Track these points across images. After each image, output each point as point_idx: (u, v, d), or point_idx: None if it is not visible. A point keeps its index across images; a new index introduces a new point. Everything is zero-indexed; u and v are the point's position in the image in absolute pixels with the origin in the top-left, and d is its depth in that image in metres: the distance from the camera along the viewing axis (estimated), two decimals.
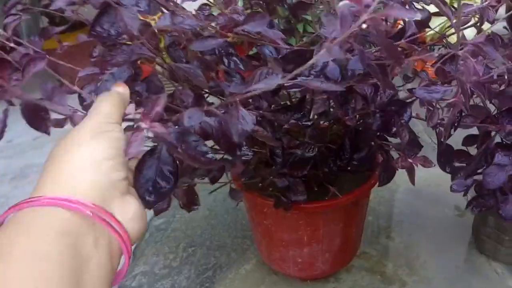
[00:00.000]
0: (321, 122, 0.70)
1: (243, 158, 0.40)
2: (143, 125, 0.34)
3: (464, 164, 0.75)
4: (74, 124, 0.43)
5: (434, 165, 0.61)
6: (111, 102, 0.36)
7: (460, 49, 0.46)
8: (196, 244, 1.00)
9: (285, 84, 0.37)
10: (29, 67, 0.40)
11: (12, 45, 0.45)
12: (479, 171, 0.65)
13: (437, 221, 1.00)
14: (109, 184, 0.32)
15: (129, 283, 0.92)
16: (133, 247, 1.14)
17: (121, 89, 0.38)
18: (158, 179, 0.37)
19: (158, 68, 0.61)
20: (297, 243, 0.76)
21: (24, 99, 0.53)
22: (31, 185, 1.40)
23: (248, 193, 0.71)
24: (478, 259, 0.89)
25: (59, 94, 0.43)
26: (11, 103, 0.56)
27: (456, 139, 0.71)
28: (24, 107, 0.53)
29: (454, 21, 0.42)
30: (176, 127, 0.36)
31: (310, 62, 0.26)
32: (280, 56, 0.47)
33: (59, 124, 0.61)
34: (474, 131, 0.72)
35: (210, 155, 0.37)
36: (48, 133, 0.56)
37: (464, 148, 0.76)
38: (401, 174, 0.73)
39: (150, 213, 1.18)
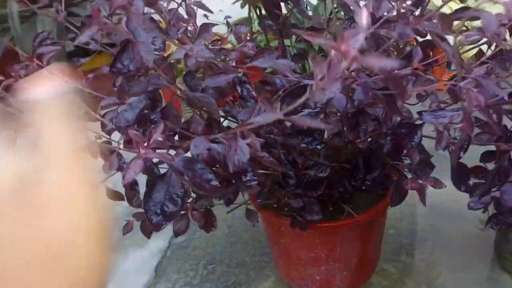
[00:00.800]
0: (336, 142, 0.71)
1: (247, 184, 0.42)
2: (140, 151, 0.37)
3: (483, 180, 0.75)
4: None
5: (446, 186, 0.61)
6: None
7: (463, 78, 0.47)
8: (216, 262, 1.02)
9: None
10: None
11: None
12: (494, 189, 0.65)
13: (458, 238, 0.99)
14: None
15: None
16: (153, 265, 1.16)
17: None
18: (166, 202, 0.39)
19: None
20: (315, 261, 0.77)
21: None
22: None
23: (265, 213, 0.73)
24: (501, 276, 0.87)
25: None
26: None
27: (474, 154, 0.71)
28: None
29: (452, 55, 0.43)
30: (184, 154, 0.39)
31: (302, 99, 0.27)
32: (284, 89, 0.49)
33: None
34: (493, 146, 0.72)
35: (214, 183, 0.39)
36: None
37: (482, 164, 0.76)
38: None
39: (170, 232, 1.21)
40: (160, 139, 0.35)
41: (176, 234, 0.58)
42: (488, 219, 0.76)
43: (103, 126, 0.53)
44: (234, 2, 1.73)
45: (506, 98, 0.54)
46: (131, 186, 0.62)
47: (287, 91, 0.43)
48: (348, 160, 0.72)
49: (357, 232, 0.74)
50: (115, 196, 0.69)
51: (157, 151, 0.38)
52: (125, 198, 0.66)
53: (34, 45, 0.66)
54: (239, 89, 0.57)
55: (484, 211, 0.77)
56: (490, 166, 0.72)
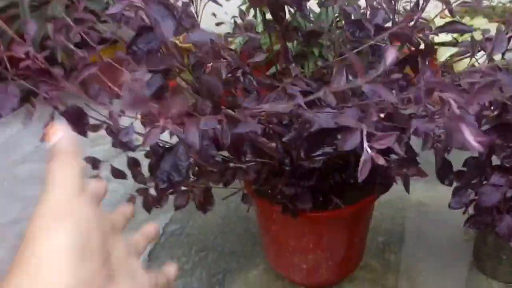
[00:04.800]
0: None
1: (251, 165, 0.46)
2: (159, 122, 0.41)
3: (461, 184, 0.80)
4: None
5: (427, 176, 0.66)
6: (74, 171, 0.29)
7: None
8: (209, 249, 1.06)
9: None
10: (84, 70, 0.48)
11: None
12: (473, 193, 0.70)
13: (443, 241, 1.04)
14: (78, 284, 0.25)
15: None
16: (147, 250, 1.20)
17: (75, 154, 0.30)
18: (172, 171, 0.44)
19: (182, 83, 0.69)
20: (302, 250, 0.82)
21: (70, 104, 0.62)
22: None
23: (258, 199, 0.78)
24: (478, 277, 0.92)
25: (103, 94, 0.51)
26: (56, 108, 0.65)
27: (459, 158, 0.76)
28: (68, 112, 0.61)
29: None
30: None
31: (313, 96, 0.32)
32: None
33: (95, 128, 0.69)
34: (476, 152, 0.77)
35: (217, 158, 0.44)
36: (86, 136, 0.64)
37: (464, 169, 0.81)
38: (409, 194, 0.78)
39: (164, 218, 1.25)
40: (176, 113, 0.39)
41: (177, 207, 0.63)
42: (467, 219, 0.81)
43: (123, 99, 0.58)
44: (240, 6, 1.79)
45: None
46: (135, 163, 0.66)
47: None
48: (340, 155, 0.76)
49: (344, 224, 0.79)
50: (119, 174, 0.74)
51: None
52: (130, 175, 0.71)
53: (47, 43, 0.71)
54: (242, 79, 0.62)
55: (464, 212, 0.82)
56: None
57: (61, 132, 0.30)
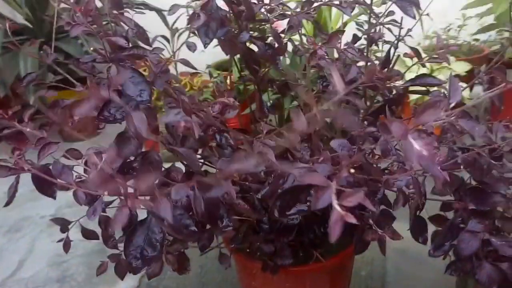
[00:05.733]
0: None
1: (223, 230, 0.45)
2: (128, 203, 0.39)
3: (441, 228, 0.80)
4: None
5: (402, 238, 0.66)
6: None
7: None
8: None
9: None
10: (44, 150, 0.46)
11: (28, 130, 0.51)
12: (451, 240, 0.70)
13: (424, 281, 1.03)
14: None
15: None
16: None
17: None
18: (146, 246, 0.42)
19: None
20: None
21: (35, 169, 0.59)
22: (24, 238, 1.40)
23: (237, 256, 0.75)
24: None
25: (66, 171, 0.49)
26: (23, 170, 0.61)
27: (435, 203, 0.76)
28: (35, 177, 0.59)
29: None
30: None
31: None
32: None
33: (64, 188, 0.66)
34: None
35: (192, 228, 0.42)
36: (54, 198, 0.61)
37: (441, 213, 0.81)
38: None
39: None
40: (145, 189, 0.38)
41: (150, 276, 0.59)
42: (448, 266, 0.81)
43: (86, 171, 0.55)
44: (216, 46, 1.81)
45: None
46: (106, 227, 0.63)
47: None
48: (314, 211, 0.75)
49: (326, 276, 0.77)
50: (91, 235, 0.70)
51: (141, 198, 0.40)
52: (101, 238, 0.67)
53: (21, 85, 0.68)
54: (217, 137, 0.61)
55: (444, 258, 0.81)
56: (450, 214, 0.78)
57: None
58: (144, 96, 0.50)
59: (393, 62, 0.71)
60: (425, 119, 0.32)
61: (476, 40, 1.85)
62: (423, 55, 0.76)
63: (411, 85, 0.68)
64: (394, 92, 0.76)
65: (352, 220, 0.31)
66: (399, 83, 0.76)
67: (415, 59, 0.76)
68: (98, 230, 0.75)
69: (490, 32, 1.79)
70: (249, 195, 0.60)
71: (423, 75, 0.68)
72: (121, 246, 0.71)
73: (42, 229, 1.36)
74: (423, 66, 0.82)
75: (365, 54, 0.74)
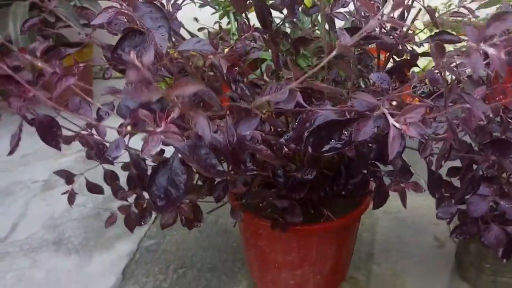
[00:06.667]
0: None
1: (248, 173, 0.43)
2: (159, 128, 0.36)
3: (448, 194, 0.80)
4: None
5: (425, 190, 0.65)
6: None
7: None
8: (187, 266, 1.00)
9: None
10: (61, 83, 0.43)
11: (40, 64, 0.48)
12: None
13: (422, 250, 1.04)
14: None
15: None
16: (121, 267, 1.13)
17: None
18: (169, 187, 0.40)
19: None
20: (290, 265, 0.78)
21: (40, 114, 0.56)
22: (17, 202, 1.37)
23: (246, 214, 0.74)
24: (461, 285, 0.93)
25: (85, 106, 0.46)
26: (25, 118, 0.58)
27: (440, 171, 0.76)
28: (39, 122, 0.55)
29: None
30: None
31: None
32: None
33: (68, 140, 0.63)
34: (457, 163, 0.78)
35: (220, 168, 0.40)
36: (59, 149, 0.58)
37: (447, 178, 0.81)
38: (389, 203, 0.75)
39: (139, 233, 1.18)
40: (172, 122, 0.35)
41: (163, 226, 0.58)
42: (453, 229, 0.81)
43: (99, 116, 0.52)
44: (213, 13, 1.75)
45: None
46: (113, 177, 0.61)
47: None
48: (327, 167, 0.74)
49: (333, 236, 0.77)
50: (96, 189, 0.68)
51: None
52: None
53: (22, 30, 0.64)
54: (233, 86, 0.58)
55: (448, 223, 0.82)
56: (455, 181, 0.78)
57: None
58: (162, 31, 0.47)
59: (414, 16, 0.69)
60: (492, 31, 0.30)
61: (476, 17, 1.84)
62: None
63: (430, 42, 0.66)
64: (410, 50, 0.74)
65: (413, 133, 0.29)
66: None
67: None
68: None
69: (490, 8, 1.78)
70: (272, 142, 0.57)
71: (442, 32, 0.67)
72: (130, 199, 0.69)
73: (35, 193, 1.32)
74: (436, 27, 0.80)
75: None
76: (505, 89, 0.72)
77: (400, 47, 0.71)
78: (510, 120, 0.68)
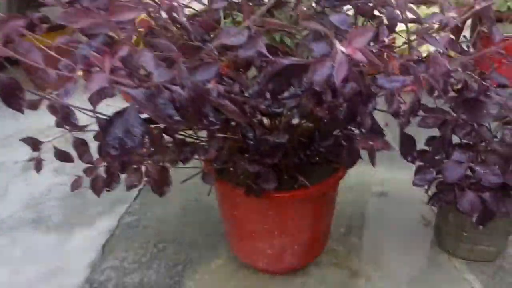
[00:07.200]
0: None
1: (209, 128, 0.42)
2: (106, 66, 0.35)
3: (423, 164, 0.80)
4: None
5: (394, 148, 0.64)
6: None
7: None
8: (167, 241, 1.00)
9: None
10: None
11: None
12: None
13: (404, 223, 1.04)
14: None
15: (97, 276, 0.90)
16: (102, 243, 1.12)
17: None
18: (125, 138, 0.39)
19: None
20: (267, 234, 0.78)
21: (2, 76, 0.54)
22: None
23: (220, 182, 0.73)
24: (439, 255, 0.93)
25: (33, 49, 0.44)
26: None
27: (419, 140, 0.76)
28: (1, 84, 0.54)
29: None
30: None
31: None
32: None
33: (34, 105, 0.62)
34: (436, 132, 0.77)
35: (176, 118, 0.39)
36: (22, 112, 0.57)
37: (426, 148, 0.81)
38: (371, 179, 0.75)
39: (120, 210, 1.17)
40: (120, 63, 0.34)
41: (128, 187, 0.57)
42: (430, 197, 0.81)
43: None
44: None
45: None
46: (82, 142, 0.59)
47: None
48: (303, 134, 0.74)
49: (309, 205, 0.76)
50: (64, 157, 0.67)
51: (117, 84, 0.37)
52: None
53: None
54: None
55: (426, 191, 0.82)
56: None
57: None
58: None
59: None
60: None
61: None
62: None
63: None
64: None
65: (359, 56, 0.28)
66: None
67: None
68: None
69: None
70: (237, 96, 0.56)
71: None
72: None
73: (15, 173, 1.31)
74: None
75: None
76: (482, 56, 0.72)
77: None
78: (484, 83, 0.68)
